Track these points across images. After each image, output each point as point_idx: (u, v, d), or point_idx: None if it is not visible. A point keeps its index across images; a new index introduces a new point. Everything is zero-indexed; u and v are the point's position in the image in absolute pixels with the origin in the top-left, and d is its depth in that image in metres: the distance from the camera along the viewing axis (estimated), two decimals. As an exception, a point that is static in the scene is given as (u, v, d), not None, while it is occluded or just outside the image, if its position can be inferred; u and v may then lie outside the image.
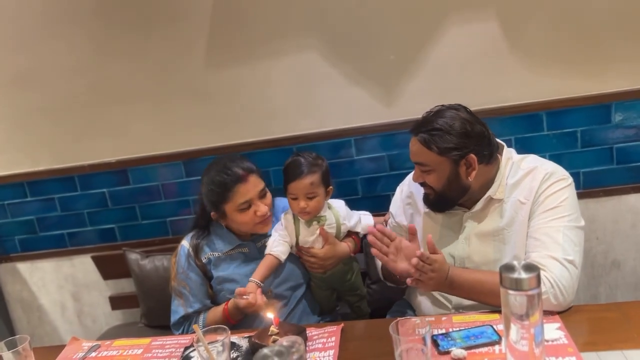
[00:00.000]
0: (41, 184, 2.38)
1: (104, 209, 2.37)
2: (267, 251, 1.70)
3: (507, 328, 1.02)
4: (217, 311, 1.70)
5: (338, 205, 1.77)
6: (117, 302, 2.47)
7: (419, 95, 2.08)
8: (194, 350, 1.43)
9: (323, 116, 2.17)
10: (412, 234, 1.53)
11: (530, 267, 0.99)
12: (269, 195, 1.71)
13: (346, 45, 2.08)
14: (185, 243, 1.77)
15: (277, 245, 1.70)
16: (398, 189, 1.81)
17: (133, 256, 2.27)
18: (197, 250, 1.73)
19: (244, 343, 1.41)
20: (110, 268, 2.41)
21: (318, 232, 1.69)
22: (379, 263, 1.78)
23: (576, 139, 2.06)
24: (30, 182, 2.38)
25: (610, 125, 2.03)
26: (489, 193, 1.52)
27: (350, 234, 1.80)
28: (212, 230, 1.77)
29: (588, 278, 2.20)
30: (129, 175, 2.32)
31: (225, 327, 1.22)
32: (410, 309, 1.75)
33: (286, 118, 2.19)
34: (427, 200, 1.60)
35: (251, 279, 1.63)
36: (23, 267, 2.52)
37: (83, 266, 2.47)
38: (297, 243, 1.73)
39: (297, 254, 1.76)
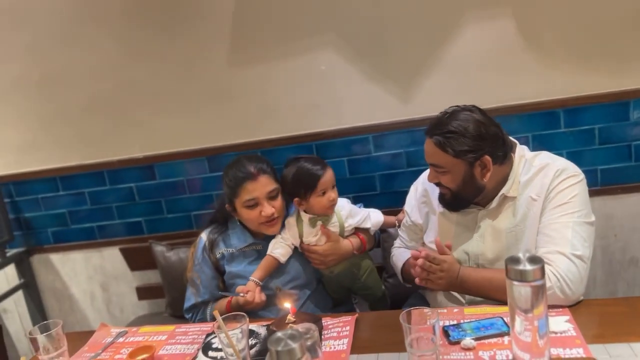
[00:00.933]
0: (72, 178, 2.49)
1: (132, 203, 2.47)
2: (267, 252, 1.75)
3: (512, 319, 1.06)
4: (222, 304, 1.77)
5: (341, 204, 1.79)
6: (143, 292, 2.57)
7: (437, 93, 2.11)
8: (216, 337, 1.50)
9: (342, 113, 2.22)
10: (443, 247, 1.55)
11: (534, 259, 1.03)
12: (280, 199, 1.75)
13: (364, 44, 2.13)
14: (204, 236, 1.84)
15: (277, 247, 1.75)
16: (412, 188, 1.84)
17: (159, 248, 2.36)
18: (212, 245, 1.81)
19: (262, 331, 1.48)
20: (137, 260, 2.51)
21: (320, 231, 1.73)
22: (398, 265, 1.82)
23: (594, 136, 2.06)
24: (62, 177, 2.49)
25: (628, 123, 2.03)
26: (503, 191, 1.54)
27: (357, 232, 1.82)
28: (229, 226, 1.84)
29: (606, 275, 2.20)
30: (155, 170, 2.41)
31: (243, 314, 1.27)
32: (424, 302, 1.79)
33: (304, 115, 2.24)
34: (442, 199, 1.63)
35: (251, 277, 1.70)
36: (55, 258, 2.64)
37: (111, 258, 2.58)
38: (301, 243, 1.77)
39: (302, 251, 1.80)
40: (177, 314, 2.37)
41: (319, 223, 1.73)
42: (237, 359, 1.23)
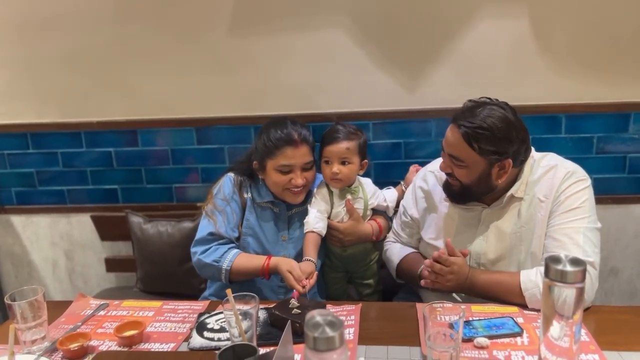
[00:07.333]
0: (45, 136, 2.30)
1: (109, 169, 2.31)
2: (308, 228, 1.66)
3: (548, 324, 1.01)
4: (252, 262, 1.62)
5: (366, 182, 1.77)
6: (112, 264, 2.42)
7: (443, 85, 2.08)
8: (210, 317, 1.42)
9: (343, 96, 2.14)
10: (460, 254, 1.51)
11: (576, 261, 0.99)
12: (313, 171, 1.69)
13: (374, 28, 2.06)
14: (232, 174, 1.75)
15: (318, 221, 1.67)
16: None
17: (135, 219, 2.23)
18: (241, 185, 1.73)
19: (261, 314, 1.40)
20: (109, 229, 2.36)
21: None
22: (393, 260, 1.75)
23: (592, 145, 2.08)
24: (33, 133, 2.30)
25: (626, 135, 2.06)
26: (511, 191, 1.50)
27: (375, 218, 1.78)
28: (254, 179, 1.76)
29: (585, 282, 2.23)
30: (138, 136, 2.26)
31: (254, 295, 1.20)
32: (416, 296, 1.75)
33: (305, 95, 2.16)
34: (449, 189, 1.57)
35: (307, 257, 1.60)
36: (17, 220, 2.45)
37: (80, 225, 2.41)
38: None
39: None
40: (148, 289, 2.26)
41: (348, 196, 1.70)
42: (242, 339, 1.16)
